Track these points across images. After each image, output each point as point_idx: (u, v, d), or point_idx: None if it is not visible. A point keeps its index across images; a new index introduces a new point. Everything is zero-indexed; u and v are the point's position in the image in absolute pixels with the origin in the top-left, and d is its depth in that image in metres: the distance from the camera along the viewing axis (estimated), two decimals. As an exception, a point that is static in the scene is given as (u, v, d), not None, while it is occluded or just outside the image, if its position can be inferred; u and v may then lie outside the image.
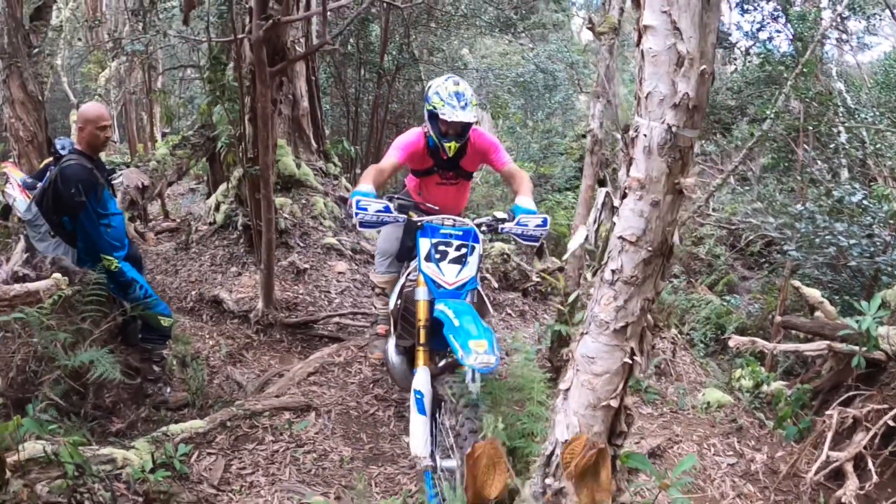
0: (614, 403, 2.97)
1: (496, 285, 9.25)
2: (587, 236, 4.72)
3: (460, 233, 4.89)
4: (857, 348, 5.40)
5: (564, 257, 4.95)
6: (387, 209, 4.71)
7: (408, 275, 5.48)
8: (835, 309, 6.93)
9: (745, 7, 15.49)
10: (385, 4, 13.79)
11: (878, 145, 13.17)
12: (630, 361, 2.94)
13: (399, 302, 5.26)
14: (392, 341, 5.36)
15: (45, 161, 5.73)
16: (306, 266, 8.79)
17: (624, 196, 2.78)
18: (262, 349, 7.37)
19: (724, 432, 5.81)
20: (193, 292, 8.67)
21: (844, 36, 17.41)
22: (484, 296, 5.33)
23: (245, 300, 8.17)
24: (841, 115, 13.05)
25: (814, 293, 7.12)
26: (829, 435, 5.01)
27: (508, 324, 8.59)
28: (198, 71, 14.33)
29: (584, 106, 21.38)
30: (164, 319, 5.89)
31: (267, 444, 5.14)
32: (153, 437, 4.67)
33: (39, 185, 5.56)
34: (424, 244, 4.81)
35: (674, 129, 2.58)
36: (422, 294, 4.70)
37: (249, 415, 5.35)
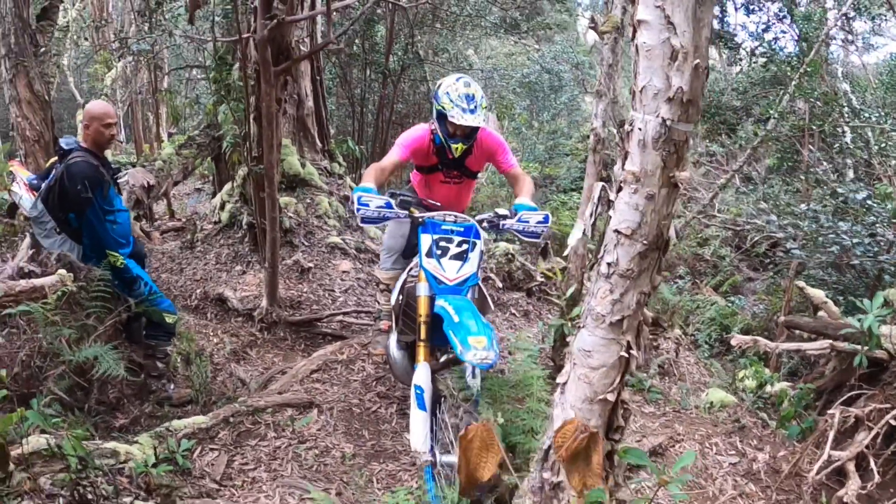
0: (611, 397, 2.98)
1: (500, 285, 9.26)
2: (584, 230, 4.72)
3: (461, 229, 4.90)
4: (859, 347, 5.41)
5: (565, 253, 4.97)
6: (388, 205, 4.73)
7: (409, 271, 5.50)
8: (839, 309, 6.93)
9: (751, 7, 15.48)
10: (390, 5, 13.82)
11: (882, 145, 13.14)
12: (627, 355, 2.95)
13: (400, 297, 5.27)
14: (394, 337, 5.38)
15: (51, 160, 5.75)
16: (311, 265, 8.80)
17: (619, 190, 2.80)
18: (266, 347, 7.40)
19: (727, 432, 5.81)
20: (198, 290, 8.70)
21: (850, 37, 17.40)
22: (485, 292, 5.34)
23: (249, 298, 8.19)
24: (846, 115, 13.04)
25: (818, 293, 7.12)
26: (831, 434, 5.00)
27: (512, 323, 8.59)
28: (203, 71, 14.38)
29: (589, 107, 21.37)
30: (169, 316, 5.92)
31: (269, 440, 5.16)
32: (156, 432, 4.69)
33: (45, 182, 5.58)
34: (426, 240, 4.83)
35: (668, 122, 2.60)
36: (423, 290, 4.71)
37: (252, 411, 5.37)
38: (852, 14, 15.01)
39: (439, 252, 4.77)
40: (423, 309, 4.66)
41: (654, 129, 2.63)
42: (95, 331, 5.18)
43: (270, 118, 6.65)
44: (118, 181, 6.13)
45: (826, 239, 8.24)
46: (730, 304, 11.59)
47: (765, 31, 15.60)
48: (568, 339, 3.28)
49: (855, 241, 7.91)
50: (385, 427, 5.66)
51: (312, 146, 10.57)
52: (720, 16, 15.76)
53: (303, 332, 7.74)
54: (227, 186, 10.25)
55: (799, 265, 9.53)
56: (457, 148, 5.38)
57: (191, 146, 11.30)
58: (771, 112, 12.66)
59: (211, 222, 10.36)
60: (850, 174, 13.24)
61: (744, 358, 8.21)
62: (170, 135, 19.77)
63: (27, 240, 6.13)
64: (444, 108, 5.16)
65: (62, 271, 5.21)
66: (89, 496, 3.68)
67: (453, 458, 3.97)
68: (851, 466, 4.82)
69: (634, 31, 2.64)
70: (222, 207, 10.06)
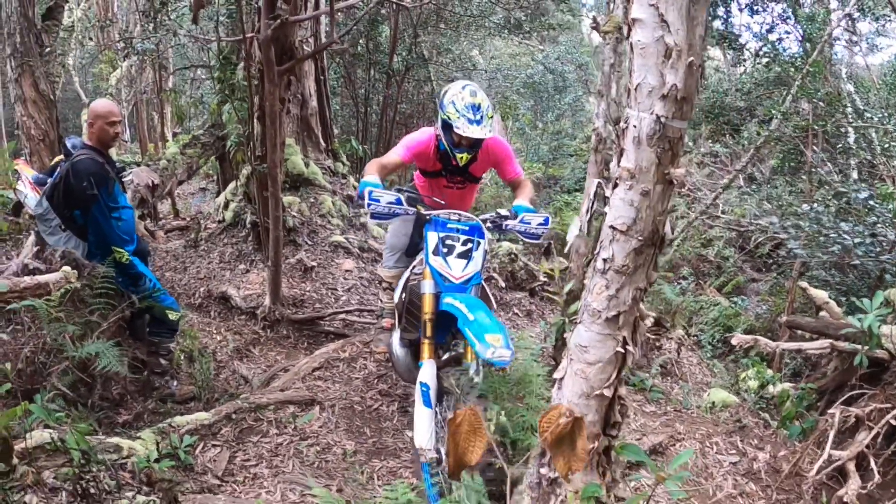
0: (608, 393, 2.99)
1: (503, 284, 9.28)
2: (581, 227, 4.76)
3: (467, 228, 4.92)
4: (859, 347, 5.41)
5: (565, 249, 5.00)
6: (398, 201, 4.74)
7: (412, 269, 5.52)
8: (841, 310, 6.93)
9: (755, 8, 15.48)
10: (394, 5, 13.84)
11: (886, 146, 13.12)
12: (623, 351, 2.97)
13: (404, 295, 5.28)
14: (396, 334, 5.39)
15: (56, 159, 5.80)
16: (314, 264, 8.83)
17: (615, 186, 2.82)
18: (269, 345, 7.43)
19: (728, 431, 5.81)
20: (202, 289, 8.73)
21: (854, 37, 17.38)
22: (488, 291, 5.36)
23: (253, 297, 8.22)
24: (849, 116, 13.02)
25: (820, 294, 7.13)
26: (832, 434, 5.01)
27: (515, 323, 8.61)
28: (208, 71, 14.42)
29: (593, 107, 21.38)
30: (172, 313, 5.95)
31: (271, 436, 5.19)
32: (159, 428, 4.73)
33: (50, 180, 5.62)
34: (432, 238, 4.84)
35: (663, 119, 2.62)
36: (428, 287, 4.72)
37: (254, 408, 5.40)
38: (856, 15, 15.00)
39: (445, 250, 4.78)
40: (428, 306, 4.67)
41: (648, 126, 2.65)
42: (99, 327, 5.22)
43: (274, 118, 6.67)
44: (123, 180, 6.17)
45: (828, 239, 8.24)
46: (733, 305, 11.58)
47: (769, 31, 15.61)
48: (565, 336, 3.30)
49: (857, 241, 7.91)
50: (386, 424, 5.68)
51: (316, 146, 10.59)
52: (724, 16, 15.78)
53: (305, 330, 7.76)
54: (231, 186, 10.28)
55: (802, 266, 9.53)
56: (462, 157, 5.37)
57: (195, 146, 11.34)
58: (774, 112, 12.65)
59: (215, 221, 10.39)
60: (854, 175, 13.22)
61: (746, 358, 8.22)
62: (174, 134, 19.82)
63: (32, 237, 6.17)
64: (449, 117, 5.10)
65: (66, 268, 5.24)
66: (92, 490, 3.71)
67: None
68: (852, 466, 4.83)
69: (629, 30, 2.66)
70: (226, 206, 10.08)
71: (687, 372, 7.28)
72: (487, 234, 5.09)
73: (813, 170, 12.36)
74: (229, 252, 9.45)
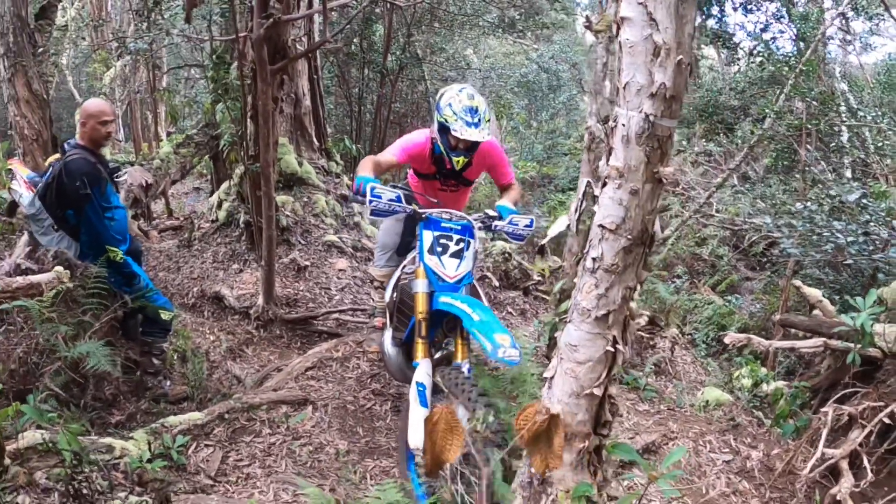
0: (598, 392, 2.99)
1: (497, 284, 9.28)
2: (568, 225, 4.77)
3: (459, 227, 4.92)
4: (852, 345, 5.42)
5: (543, 241, 5.02)
6: (398, 199, 4.74)
7: (403, 268, 5.52)
8: (835, 308, 6.94)
9: (749, 7, 15.50)
10: (388, 4, 13.83)
11: (879, 144, 13.15)
12: (613, 350, 2.96)
13: (395, 294, 5.29)
14: (388, 334, 5.39)
15: (51, 158, 5.80)
16: (307, 263, 8.82)
17: (604, 185, 2.81)
18: (262, 345, 7.43)
19: (721, 430, 5.81)
20: (195, 289, 8.72)
21: (848, 36, 17.40)
22: (479, 291, 5.35)
23: (246, 297, 8.21)
24: (843, 114, 13.04)
25: (814, 292, 7.14)
26: (825, 432, 5.01)
27: (509, 322, 8.61)
28: (202, 70, 14.41)
29: (587, 106, 21.42)
30: (165, 313, 5.94)
31: (264, 436, 5.18)
32: (151, 428, 4.72)
33: (42, 179, 5.62)
34: (427, 236, 4.83)
35: (651, 118, 2.61)
36: (421, 286, 4.71)
37: (247, 408, 5.39)
38: (850, 14, 15.02)
39: (440, 249, 4.79)
40: (422, 306, 4.66)
41: (637, 124, 2.64)
42: (91, 327, 5.21)
43: (267, 117, 6.67)
44: (117, 180, 6.17)
45: (821, 238, 8.25)
46: (727, 304, 11.60)
47: (763, 30, 15.64)
48: (555, 335, 3.29)
49: (850, 239, 7.92)
50: (379, 424, 5.68)
51: (310, 145, 10.58)
52: (718, 15, 15.79)
53: (299, 329, 7.76)
54: (225, 185, 10.26)
55: (796, 264, 9.54)
56: (458, 161, 5.36)
57: (189, 145, 11.32)
58: (768, 111, 12.66)
59: (208, 221, 10.38)
60: (848, 173, 13.25)
61: (740, 357, 8.22)
62: (168, 134, 19.80)
63: (24, 237, 6.16)
64: (446, 120, 5.10)
65: (59, 268, 5.24)
66: (84, 491, 3.71)
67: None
68: (845, 464, 4.83)
69: (618, 28, 2.66)
70: (220, 206, 10.07)
71: (681, 370, 7.28)
72: (478, 234, 5.09)
73: (806, 168, 12.37)
74: (223, 252, 9.43)
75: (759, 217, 10.72)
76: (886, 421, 4.87)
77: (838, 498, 4.55)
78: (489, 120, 5.24)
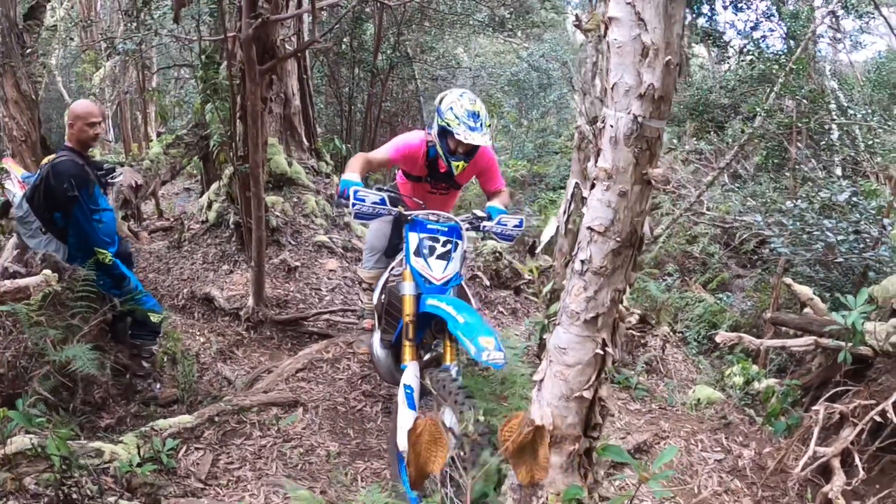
0: (587, 395, 2.98)
1: (488, 283, 9.27)
2: (558, 227, 4.76)
3: (446, 229, 4.91)
4: (843, 344, 5.42)
5: (537, 250, 5.01)
6: (382, 201, 4.73)
7: (391, 270, 5.51)
8: (826, 305, 6.94)
9: (739, 6, 15.52)
10: (378, 3, 13.81)
11: (870, 142, 13.19)
12: (602, 352, 2.95)
13: (383, 297, 5.28)
14: (377, 336, 5.37)
15: (45, 160, 5.78)
16: (297, 264, 8.79)
17: (592, 187, 2.80)
18: (253, 346, 7.39)
19: (713, 428, 5.81)
20: (185, 290, 8.69)
21: (838, 35, 17.45)
22: (468, 292, 5.34)
23: (236, 298, 8.18)
24: (833, 112, 13.08)
25: (805, 290, 7.13)
26: (816, 431, 5.00)
27: (500, 321, 8.60)
28: (192, 70, 14.37)
29: (577, 105, 21.44)
30: (154, 315, 5.91)
31: (254, 439, 5.16)
32: (141, 431, 4.69)
33: (31, 180, 5.60)
34: (413, 239, 4.83)
35: (640, 119, 2.60)
36: (409, 289, 4.71)
37: (238, 410, 5.37)
38: (840, 12, 15.05)
39: (426, 251, 4.77)
40: (409, 308, 4.65)
41: (625, 125, 2.63)
42: (80, 331, 5.18)
43: (256, 117, 6.65)
44: (114, 181, 6.16)
45: (811, 236, 8.26)
46: (718, 301, 11.62)
47: (753, 29, 15.66)
48: (544, 337, 3.28)
49: (840, 238, 7.93)
50: (370, 425, 5.67)
51: (299, 145, 10.55)
52: (709, 14, 15.81)
53: (289, 331, 7.73)
54: (214, 186, 10.23)
55: (787, 262, 9.56)
56: (457, 166, 5.33)
57: (178, 145, 11.29)
58: (758, 109, 12.69)
59: (198, 222, 10.34)
60: (838, 171, 13.28)
61: (731, 355, 8.23)
62: (159, 134, 19.75)
63: (13, 239, 6.12)
64: (448, 124, 5.08)
65: (47, 271, 5.20)
66: (74, 496, 3.69)
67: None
68: (836, 463, 4.83)
69: (606, 28, 2.64)
70: (209, 207, 10.04)
71: (672, 369, 7.28)
72: (466, 235, 5.08)
73: (797, 166, 12.39)
74: (213, 253, 9.41)
75: (750, 215, 10.74)
76: (878, 419, 4.86)
77: (830, 496, 4.55)
78: (489, 125, 5.25)
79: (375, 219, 4.97)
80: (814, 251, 8.35)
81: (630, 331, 7.15)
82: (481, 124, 5.09)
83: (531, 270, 9.08)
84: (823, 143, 13.53)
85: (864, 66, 21.04)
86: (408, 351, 4.55)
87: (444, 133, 5.19)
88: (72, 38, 20.84)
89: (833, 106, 13.57)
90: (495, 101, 20.51)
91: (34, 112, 10.36)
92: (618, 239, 2.78)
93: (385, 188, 5.38)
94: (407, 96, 18.79)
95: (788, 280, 7.66)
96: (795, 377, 6.62)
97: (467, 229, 5.12)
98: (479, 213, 5.22)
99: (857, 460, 4.71)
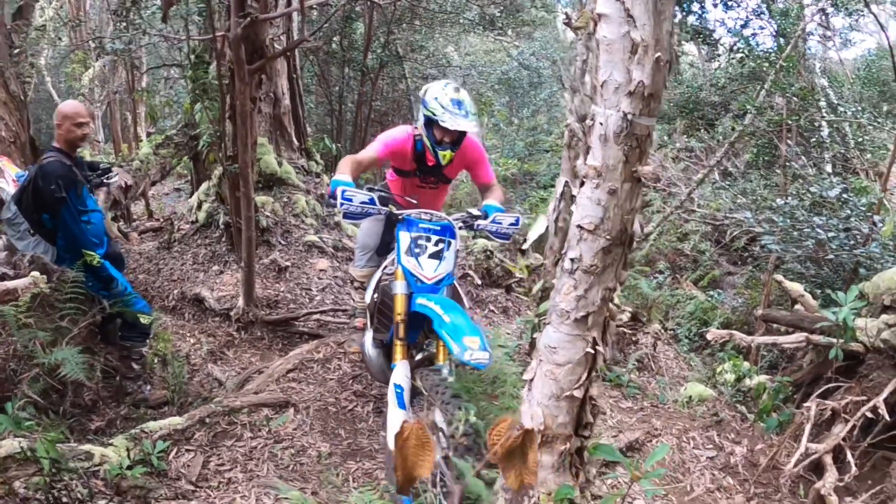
0: (578, 394, 2.97)
1: (479, 282, 9.26)
2: (547, 226, 4.74)
3: (438, 228, 4.89)
4: (834, 340, 5.42)
5: (524, 246, 4.99)
6: (371, 201, 4.71)
7: (384, 269, 5.49)
8: (817, 302, 6.95)
9: (729, 4, 15.52)
10: (368, 2, 13.79)
11: (860, 140, 13.23)
12: (593, 352, 2.94)
13: (375, 296, 5.25)
14: (369, 335, 5.35)
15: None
16: (288, 264, 8.77)
17: (582, 185, 2.78)
18: (243, 347, 7.38)
19: (705, 426, 5.81)
20: (175, 291, 8.67)
21: (828, 33, 17.48)
22: (460, 291, 5.33)
23: (226, 298, 8.16)
24: (823, 110, 13.10)
25: (796, 287, 7.14)
26: (808, 427, 5.02)
27: (491, 320, 8.60)
28: (181, 70, 14.33)
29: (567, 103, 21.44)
30: (144, 317, 5.89)
31: (245, 440, 5.14)
32: (131, 434, 4.67)
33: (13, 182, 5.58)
34: (404, 238, 4.81)
35: (629, 116, 2.58)
36: (400, 288, 4.69)
37: (228, 411, 5.34)
38: (830, 10, 15.07)
39: (417, 250, 4.76)
40: (400, 307, 4.63)
41: (615, 123, 2.61)
42: (69, 333, 5.15)
43: (245, 117, 6.63)
44: (109, 181, 6.15)
45: (801, 233, 8.27)
46: (709, 299, 11.63)
47: (743, 26, 15.65)
48: (535, 336, 3.27)
49: (830, 234, 7.94)
50: (361, 426, 5.65)
51: (289, 145, 10.53)
52: (699, 12, 15.81)
53: (280, 331, 7.72)
54: (204, 186, 10.21)
55: (777, 259, 9.57)
56: (444, 155, 5.33)
57: (168, 146, 11.25)
58: (748, 107, 12.71)
59: (188, 222, 10.32)
60: (829, 168, 13.31)
61: (723, 352, 8.24)
62: (149, 134, 19.68)
63: (1, 241, 6.09)
64: (433, 113, 5.09)
65: (35, 273, 5.18)
66: (64, 499, 3.68)
67: (436, 456, 3.97)
68: (829, 459, 4.84)
69: (595, 25, 2.63)
70: (199, 207, 10.01)
71: (663, 366, 7.28)
72: (459, 234, 5.07)
73: (787, 164, 12.41)
74: (203, 253, 9.38)
75: (741, 212, 10.75)
76: (869, 415, 4.88)
77: (822, 492, 4.56)
78: (475, 113, 5.25)
79: (365, 218, 4.94)
80: (804, 248, 8.37)
81: (621, 328, 7.15)
82: (466, 112, 5.10)
83: (522, 269, 9.07)
84: (813, 140, 13.56)
85: (854, 64, 21.10)
86: (399, 350, 4.54)
87: (430, 123, 5.20)
88: (60, 38, 20.76)
89: (823, 103, 13.59)
90: (486, 100, 20.51)
91: (23, 113, 10.30)
92: (608, 237, 2.76)
93: (376, 188, 5.37)
94: (397, 95, 18.78)
95: (779, 277, 7.66)
96: (787, 374, 6.64)
97: (461, 228, 5.10)
98: (475, 211, 5.19)
99: (849, 456, 4.73)
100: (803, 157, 12.88)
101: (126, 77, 19.00)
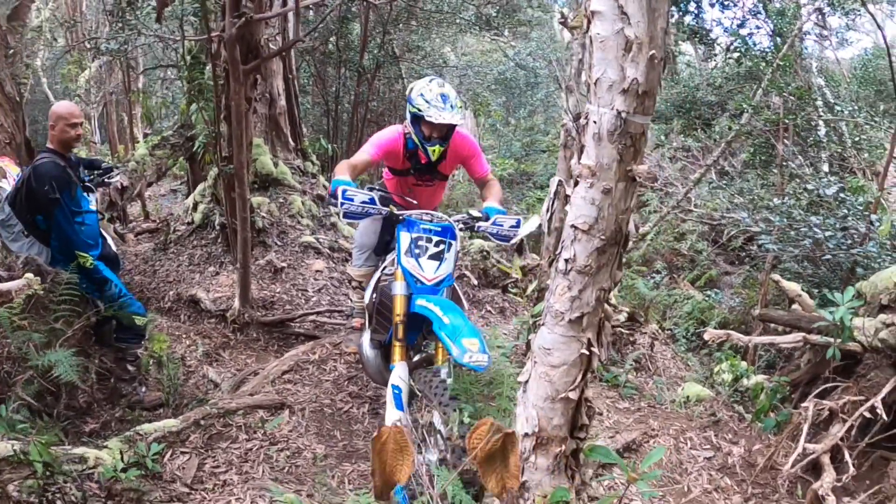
0: (573, 396, 2.95)
1: (475, 282, 9.25)
2: (540, 225, 4.73)
3: (439, 229, 4.87)
4: (832, 340, 5.41)
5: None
6: (372, 201, 4.68)
7: (383, 269, 5.47)
8: (814, 302, 6.94)
9: (726, 3, 15.52)
10: (364, 2, 13.77)
11: (856, 139, 13.22)
12: (587, 353, 2.91)
13: (374, 296, 5.23)
14: (367, 335, 5.33)
15: None
16: (284, 265, 8.76)
17: (576, 184, 2.76)
18: (239, 348, 7.36)
19: (702, 426, 5.79)
20: (171, 292, 8.65)
21: (825, 32, 17.48)
22: (459, 293, 5.31)
23: (222, 299, 8.14)
24: (820, 109, 13.10)
25: (793, 286, 7.13)
26: (805, 427, 5.00)
27: (488, 320, 8.58)
28: (178, 71, 14.30)
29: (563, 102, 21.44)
30: (139, 318, 5.86)
31: (240, 442, 5.12)
32: (126, 436, 4.64)
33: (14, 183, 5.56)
34: (405, 238, 4.79)
35: (624, 115, 2.56)
36: (399, 289, 4.67)
37: (223, 413, 5.32)
38: (826, 9, 15.09)
39: (418, 251, 4.74)
40: (399, 308, 4.62)
41: (609, 121, 2.59)
42: (64, 335, 5.13)
43: (240, 117, 6.61)
44: (111, 180, 6.14)
45: (798, 233, 8.26)
46: (707, 298, 11.62)
47: (739, 26, 15.65)
48: (530, 338, 3.25)
49: (827, 234, 7.93)
50: (357, 427, 5.63)
51: (285, 145, 10.51)
52: (695, 11, 15.81)
53: (275, 332, 7.70)
54: (200, 187, 10.19)
55: (775, 258, 9.56)
56: (434, 150, 5.33)
57: (164, 147, 11.24)
58: (745, 106, 12.71)
59: (184, 223, 10.29)
60: (825, 168, 13.31)
61: (720, 352, 8.22)
62: (145, 135, 19.66)
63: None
64: (419, 108, 5.11)
65: (29, 275, 5.16)
66: (58, 502, 3.65)
67: (431, 456, 3.95)
68: (826, 459, 4.82)
69: (588, 22, 2.61)
70: (195, 208, 9.99)
71: (661, 366, 7.25)
72: (459, 235, 5.05)
73: (784, 163, 12.41)
74: (199, 254, 9.37)
75: (738, 212, 10.74)
76: (867, 415, 4.86)
77: (820, 493, 4.54)
78: (461, 106, 5.28)
79: (364, 218, 4.92)
80: (801, 247, 8.36)
81: (618, 329, 7.13)
82: (451, 105, 5.12)
83: (517, 270, 9.07)
84: (810, 139, 13.56)
85: (851, 63, 21.10)
86: (397, 352, 4.52)
87: (417, 119, 5.22)
88: (56, 39, 20.73)
89: (820, 103, 13.60)
90: (482, 100, 20.50)
91: (19, 114, 10.27)
92: (602, 237, 2.74)
93: (375, 187, 5.36)
94: (394, 96, 18.74)
95: (776, 277, 7.65)
96: (784, 374, 6.61)
97: (462, 229, 5.08)
98: (475, 212, 5.17)
99: (846, 457, 4.71)
100: (800, 157, 12.87)
101: (122, 78, 18.98)
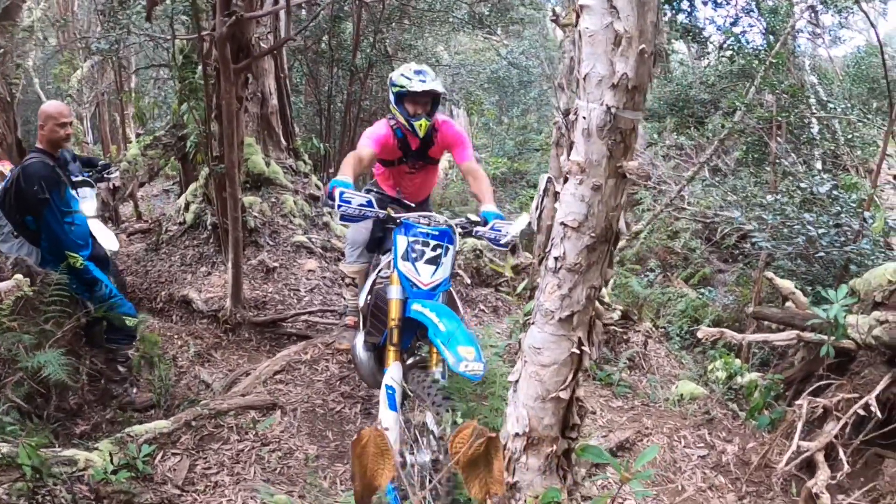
0: (564, 395, 2.92)
1: (469, 281, 9.23)
2: (529, 223, 4.70)
3: (437, 233, 4.83)
4: (825, 337, 5.40)
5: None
6: (369, 203, 4.65)
7: (379, 271, 5.45)
8: (807, 299, 6.93)
9: (719, 1, 15.53)
10: (356, 1, 13.75)
11: (849, 136, 13.24)
12: (578, 352, 2.89)
13: (369, 298, 5.21)
14: (361, 337, 5.30)
15: None
16: (276, 264, 8.74)
17: (565, 181, 2.73)
18: (231, 348, 7.34)
19: (696, 424, 5.78)
20: (163, 293, 8.63)
21: (818, 30, 17.50)
22: (455, 297, 5.28)
23: (214, 300, 8.12)
24: (813, 107, 13.11)
25: (786, 284, 7.12)
26: (800, 425, 4.99)
27: (481, 319, 8.57)
28: (170, 70, 14.27)
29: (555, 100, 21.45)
30: (129, 319, 5.84)
31: (232, 443, 5.10)
32: (116, 438, 4.62)
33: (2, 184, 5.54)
34: (402, 242, 4.74)
35: (613, 110, 2.54)
36: (395, 293, 4.63)
37: (214, 414, 5.30)
38: (819, 7, 15.12)
39: (415, 255, 4.70)
40: (395, 312, 4.58)
41: (598, 117, 2.57)
42: (54, 336, 5.11)
43: (231, 116, 6.59)
44: (109, 177, 6.11)
45: (792, 230, 8.26)
46: (700, 296, 11.61)
47: (732, 24, 15.68)
48: (520, 337, 3.23)
49: (821, 231, 7.93)
50: (349, 427, 5.61)
51: (277, 145, 10.48)
52: (688, 10, 15.82)
53: (267, 332, 7.68)
54: (192, 187, 10.16)
55: (768, 256, 9.55)
56: (420, 125, 5.47)
57: (156, 146, 11.19)
58: (738, 104, 12.72)
59: (176, 223, 10.26)
60: (819, 165, 13.32)
61: (714, 350, 8.21)
62: (138, 135, 19.59)
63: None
64: (402, 86, 5.35)
65: (19, 276, 5.14)
66: (48, 505, 3.63)
67: (425, 457, 3.93)
68: (821, 457, 4.81)
69: (577, 17, 2.58)
70: (187, 208, 9.97)
71: (655, 364, 7.24)
72: (457, 240, 5.02)
73: (777, 161, 12.41)
74: (190, 254, 9.34)
75: (731, 210, 10.74)
76: (861, 412, 4.86)
77: (815, 490, 4.53)
78: (438, 80, 5.52)
79: (361, 220, 4.89)
80: (795, 245, 8.35)
81: (612, 327, 7.12)
82: (430, 78, 5.40)
83: (508, 269, 9.05)
84: (803, 137, 13.58)
85: (844, 61, 21.11)
86: (391, 355, 4.49)
87: (400, 98, 5.45)
88: (48, 39, 20.66)
89: (813, 100, 13.63)
90: (475, 99, 20.50)
91: (10, 114, 10.24)
92: (592, 234, 2.72)
93: (372, 189, 5.37)
94: (386, 95, 18.68)
95: (770, 274, 7.64)
96: (778, 371, 6.61)
97: (460, 234, 5.06)
98: (474, 217, 5.15)
99: (841, 454, 4.71)
100: (793, 154, 12.89)
101: (114, 78, 18.92)
